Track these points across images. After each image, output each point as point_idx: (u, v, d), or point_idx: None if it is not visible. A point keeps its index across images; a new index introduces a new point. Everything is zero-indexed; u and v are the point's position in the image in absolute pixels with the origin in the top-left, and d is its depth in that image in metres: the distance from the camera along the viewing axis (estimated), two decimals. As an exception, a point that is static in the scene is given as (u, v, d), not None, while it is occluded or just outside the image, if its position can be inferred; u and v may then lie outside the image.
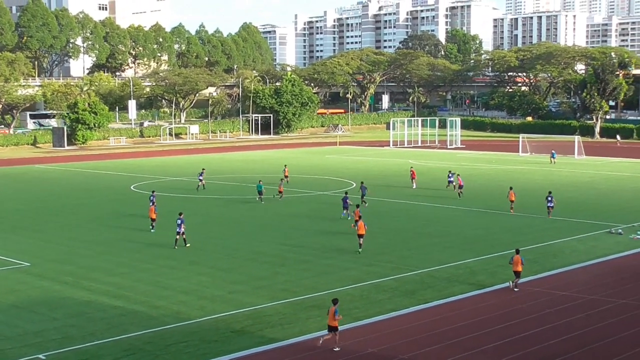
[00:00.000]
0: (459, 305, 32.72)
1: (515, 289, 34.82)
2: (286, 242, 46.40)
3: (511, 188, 60.24)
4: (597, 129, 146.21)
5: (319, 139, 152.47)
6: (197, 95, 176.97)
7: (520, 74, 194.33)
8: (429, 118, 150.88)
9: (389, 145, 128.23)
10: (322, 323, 30.00)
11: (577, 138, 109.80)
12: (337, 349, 27.30)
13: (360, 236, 43.47)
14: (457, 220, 54.22)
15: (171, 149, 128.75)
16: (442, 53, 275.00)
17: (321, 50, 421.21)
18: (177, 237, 44.92)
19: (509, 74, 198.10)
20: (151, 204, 54.81)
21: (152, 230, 50.45)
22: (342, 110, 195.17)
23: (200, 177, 72.52)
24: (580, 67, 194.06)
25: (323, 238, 47.69)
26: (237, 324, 30.17)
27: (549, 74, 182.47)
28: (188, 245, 44.97)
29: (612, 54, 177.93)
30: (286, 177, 75.31)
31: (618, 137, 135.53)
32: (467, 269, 39.11)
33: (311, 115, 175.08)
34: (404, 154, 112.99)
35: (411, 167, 78.37)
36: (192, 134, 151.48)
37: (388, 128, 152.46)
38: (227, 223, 53.40)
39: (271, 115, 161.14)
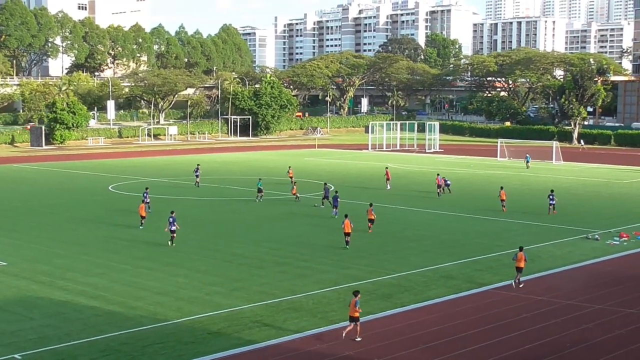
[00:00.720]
0: (436, 309, 32.87)
1: (520, 285, 35.65)
2: (264, 244, 46.42)
3: (502, 188, 61.80)
4: (575, 135, 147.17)
5: (297, 142, 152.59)
6: (176, 96, 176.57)
7: (499, 79, 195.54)
8: (407, 122, 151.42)
9: (368, 149, 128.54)
10: (300, 325, 30.12)
11: (555, 144, 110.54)
12: (358, 339, 28.43)
13: (346, 234, 44.97)
14: (435, 224, 54.44)
15: (150, 150, 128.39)
16: (422, 57, 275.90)
17: (301, 53, 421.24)
18: (172, 235, 45.40)
19: (488, 78, 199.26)
20: (142, 201, 55.86)
21: (140, 227, 51.14)
22: (301, 113, 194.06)
23: (197, 173, 74.94)
24: (559, 73, 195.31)
25: (301, 240, 47.75)
26: (214, 326, 30.17)
27: (528, 79, 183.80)
28: (173, 245, 45.17)
29: (591, 60, 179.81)
30: (291, 178, 74.79)
31: (582, 142, 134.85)
32: (443, 272, 39.29)
33: (290, 117, 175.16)
34: (383, 157, 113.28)
35: (386, 168, 79.51)
36: (171, 135, 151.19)
37: (367, 131, 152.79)
38: (205, 224, 53.35)
39: (250, 117, 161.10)
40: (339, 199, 57.05)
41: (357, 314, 28.62)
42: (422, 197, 68.59)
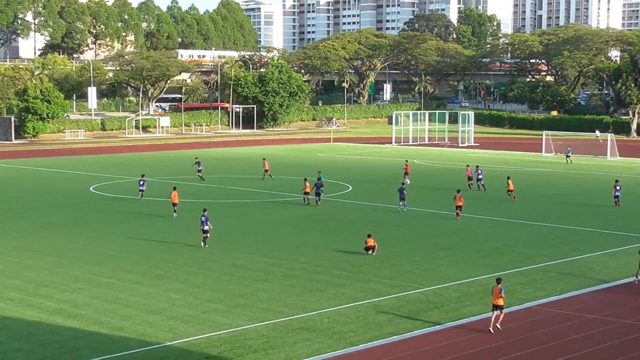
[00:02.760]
0: (471, 329, 32.78)
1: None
2: (270, 254, 46.42)
3: (509, 178, 66.40)
4: (634, 126, 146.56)
5: (309, 135, 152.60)
6: (168, 82, 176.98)
7: (544, 61, 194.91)
8: (437, 111, 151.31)
9: (391, 143, 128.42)
10: (313, 348, 30.10)
11: (610, 136, 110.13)
12: (496, 328, 31.83)
13: (368, 248, 46.11)
14: (469, 231, 54.33)
15: (138, 144, 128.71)
16: (454, 36, 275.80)
17: (313, 32, 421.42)
18: (204, 235, 47.99)
19: (531, 61, 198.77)
20: (173, 188, 60.87)
21: (174, 215, 57.78)
22: (226, 104, 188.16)
23: (200, 168, 79.48)
24: (614, 54, 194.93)
25: (313, 249, 47.75)
26: (213, 349, 30.19)
27: (578, 62, 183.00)
28: (206, 246, 47.70)
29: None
30: (267, 171, 79.39)
31: (597, 132, 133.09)
32: (480, 286, 39.19)
33: (301, 107, 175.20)
34: (409, 152, 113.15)
35: (406, 161, 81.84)
36: (163, 127, 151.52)
37: (390, 123, 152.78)
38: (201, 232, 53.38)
39: (254, 106, 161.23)
40: (405, 191, 61.40)
41: (501, 302, 32.06)
42: (453, 199, 68.42)
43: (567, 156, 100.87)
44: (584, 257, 45.90)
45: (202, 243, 48.14)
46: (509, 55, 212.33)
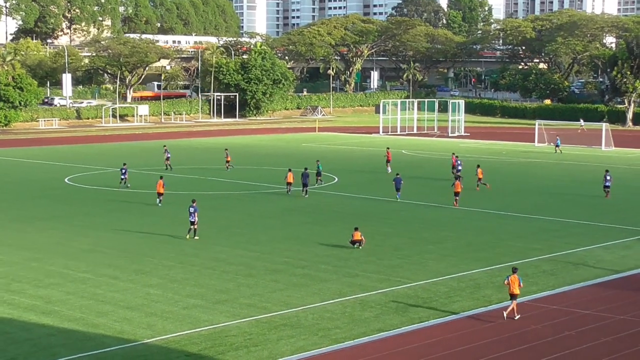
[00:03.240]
0: (461, 326, 32.84)
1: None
2: (253, 248, 46.38)
3: (478, 166, 67.29)
4: (630, 115, 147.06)
5: (294, 124, 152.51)
6: (146, 68, 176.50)
7: (537, 47, 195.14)
8: (426, 100, 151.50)
9: (379, 132, 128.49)
10: (297, 345, 30.06)
11: (604, 126, 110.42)
12: (514, 317, 33.13)
13: (355, 242, 46.00)
14: (459, 223, 54.42)
15: (115, 134, 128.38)
16: (444, 22, 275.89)
17: (298, 17, 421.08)
18: (191, 227, 48.39)
19: (524, 47, 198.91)
20: (160, 177, 61.92)
21: (159, 205, 59.25)
22: (184, 93, 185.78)
23: (168, 155, 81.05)
24: (610, 40, 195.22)
25: (297, 243, 47.72)
26: (193, 346, 30.15)
27: (572, 48, 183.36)
28: (196, 238, 47.98)
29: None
30: (228, 162, 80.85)
31: (582, 121, 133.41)
32: (470, 281, 39.25)
33: (285, 95, 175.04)
34: (397, 142, 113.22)
35: (387, 148, 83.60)
36: (141, 116, 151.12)
37: (377, 111, 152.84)
38: (182, 224, 53.26)
39: (237, 94, 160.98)
40: (402, 181, 62.86)
41: (518, 291, 33.38)
42: (443, 190, 68.52)
43: (557, 146, 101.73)
44: (579, 250, 46.02)
45: (187, 235, 48.38)
46: (501, 41, 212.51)
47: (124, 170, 68.06)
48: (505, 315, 33.30)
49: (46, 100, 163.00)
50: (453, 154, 79.93)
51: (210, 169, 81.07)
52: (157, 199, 59.91)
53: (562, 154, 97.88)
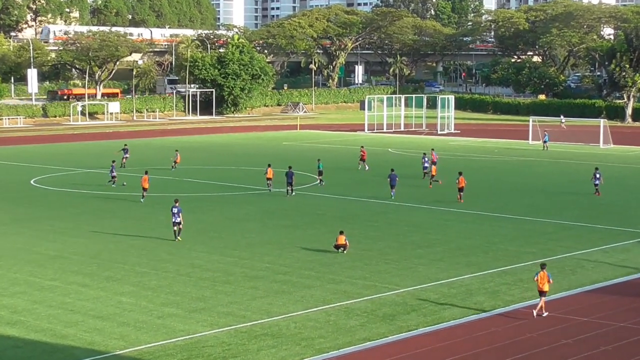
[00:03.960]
0: (451, 334, 32.89)
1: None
2: (231, 253, 46.36)
3: (461, 174, 63.92)
4: (629, 111, 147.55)
5: (274, 121, 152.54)
6: (117, 63, 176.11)
7: (531, 40, 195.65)
8: (414, 96, 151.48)
9: (364, 130, 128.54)
10: (278, 355, 30.07)
11: (602, 122, 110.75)
12: (541, 315, 34.53)
13: (339, 246, 46.03)
14: (449, 226, 54.51)
15: (84, 133, 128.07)
16: (432, 12, 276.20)
17: (278, 8, 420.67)
18: (175, 228, 49.09)
19: (517, 40, 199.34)
20: (145, 172, 64.00)
21: (142, 200, 61.59)
22: (118, 90, 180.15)
23: (126, 155, 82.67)
24: (608, 32, 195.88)
25: (278, 248, 47.70)
26: (169, 358, 30.10)
27: (568, 41, 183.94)
28: (179, 239, 48.76)
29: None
30: (176, 163, 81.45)
31: (562, 117, 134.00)
32: (461, 287, 39.32)
33: (264, 91, 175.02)
34: (383, 140, 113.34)
35: (362, 147, 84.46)
36: (112, 114, 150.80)
37: (362, 108, 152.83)
38: (156, 228, 53.22)
39: (213, 90, 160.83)
40: (397, 178, 64.46)
41: (548, 288, 34.70)
42: (432, 191, 68.66)
43: (545, 142, 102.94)
44: (575, 254, 46.15)
45: (176, 237, 49.08)
46: (493, 33, 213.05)
47: (112, 168, 70.13)
48: (535, 313, 34.60)
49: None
50: (432, 149, 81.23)
51: (185, 169, 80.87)
52: (142, 194, 62.22)
53: (549, 151, 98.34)
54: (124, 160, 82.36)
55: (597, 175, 65.75)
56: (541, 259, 44.43)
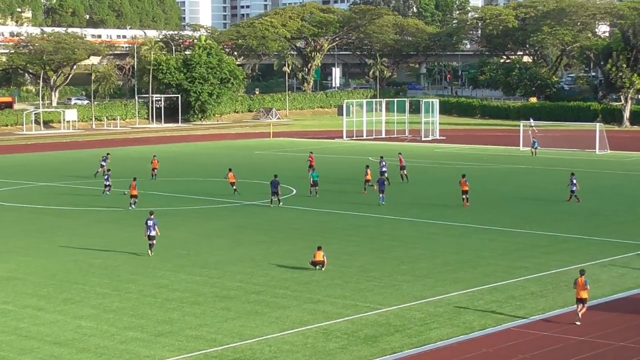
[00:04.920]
0: (438, 357, 32.91)
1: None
2: (200, 272, 46.24)
3: (464, 176, 66.78)
4: (627, 114, 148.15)
5: (245, 129, 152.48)
6: (74, 67, 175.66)
7: (521, 38, 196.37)
8: (396, 99, 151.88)
9: (342, 137, 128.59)
10: (250, 383, 30.00)
11: (598, 126, 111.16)
12: (578, 323, 36.05)
13: (316, 263, 46.00)
14: (435, 240, 54.57)
15: (38, 143, 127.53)
16: (414, 10, 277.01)
17: (248, 6, 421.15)
18: (150, 242, 49.71)
19: (506, 38, 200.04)
20: (133, 179, 67.11)
21: (130, 208, 64.34)
22: (10, 99, 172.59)
23: (103, 163, 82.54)
24: (603, 29, 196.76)
25: (251, 265, 47.64)
26: (132, 386, 30.01)
27: (560, 39, 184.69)
28: (150, 253, 49.48)
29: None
30: (155, 170, 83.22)
31: (531, 121, 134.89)
32: (448, 306, 39.35)
33: (234, 96, 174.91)
34: (362, 148, 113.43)
35: (310, 152, 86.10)
36: (69, 122, 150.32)
37: (340, 113, 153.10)
38: (117, 245, 53.07)
39: (179, 96, 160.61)
40: (385, 182, 67.86)
41: (587, 295, 36.39)
42: (417, 202, 68.77)
43: (534, 148, 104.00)
44: (571, 269, 46.20)
45: (149, 252, 49.66)
46: (480, 32, 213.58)
47: (106, 177, 72.57)
48: (579, 320, 36.42)
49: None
50: (400, 153, 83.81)
51: (149, 182, 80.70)
52: (130, 201, 65.29)
53: (541, 158, 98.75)
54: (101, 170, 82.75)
55: (574, 181, 67.30)
56: (535, 274, 44.69)
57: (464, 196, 65.60)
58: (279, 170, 74.97)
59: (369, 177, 72.21)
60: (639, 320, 37.49)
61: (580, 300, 36.14)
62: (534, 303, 39.46)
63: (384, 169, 76.44)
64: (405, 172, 79.59)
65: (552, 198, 70.71)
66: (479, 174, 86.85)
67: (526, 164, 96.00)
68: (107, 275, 45.49)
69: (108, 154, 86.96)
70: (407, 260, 48.73)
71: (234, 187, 70.65)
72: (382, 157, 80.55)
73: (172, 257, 49.80)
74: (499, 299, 40.40)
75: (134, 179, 66.82)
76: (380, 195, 66.32)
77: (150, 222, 49.52)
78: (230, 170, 71.15)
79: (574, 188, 66.96)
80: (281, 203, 66.02)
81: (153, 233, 49.47)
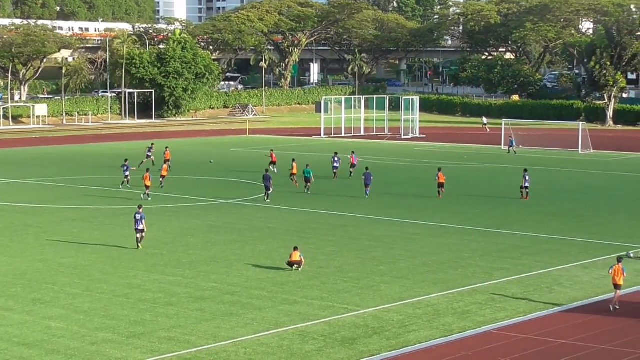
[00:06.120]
0: (416, 359, 33.01)
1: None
2: (173, 272, 46.22)
3: (440, 169, 70.08)
4: (610, 113, 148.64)
5: (220, 125, 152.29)
6: (44, 61, 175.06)
7: (503, 35, 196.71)
8: (375, 96, 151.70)
9: (320, 135, 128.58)
10: (224, 386, 30.02)
11: (581, 125, 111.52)
12: (615, 307, 38.61)
13: (292, 263, 46.06)
14: (415, 240, 54.67)
15: (6, 139, 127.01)
16: (395, 5, 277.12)
17: (224, 0, 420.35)
18: (138, 235, 51.14)
19: (488, 35, 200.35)
20: (146, 155, 73.11)
21: (148, 199, 66.67)
22: None
23: (149, 153, 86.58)
24: (587, 26, 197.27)
25: (225, 265, 47.66)
26: (103, 389, 30.00)
27: (543, 36, 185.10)
28: (140, 246, 50.90)
29: (632, 7, 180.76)
30: (167, 161, 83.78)
31: (484, 119, 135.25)
32: (427, 308, 39.45)
33: (210, 91, 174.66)
34: (341, 146, 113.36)
35: (271, 150, 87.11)
36: (39, 117, 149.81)
37: (318, 110, 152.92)
38: (89, 245, 52.98)
39: (152, 91, 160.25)
40: (372, 177, 69.77)
41: (622, 281, 38.67)
42: (396, 202, 68.91)
43: (510, 147, 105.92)
44: (552, 270, 46.44)
45: (138, 245, 51.03)
46: (461, 28, 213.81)
47: (125, 168, 74.31)
48: (611, 307, 38.72)
49: None
50: (353, 152, 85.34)
51: (119, 179, 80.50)
52: (145, 192, 67.84)
53: (522, 157, 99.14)
54: (148, 160, 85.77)
55: (527, 178, 69.18)
56: (515, 276, 44.85)
57: (439, 189, 69.10)
58: (254, 168, 75.15)
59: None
60: (621, 322, 37.70)
61: (617, 287, 38.72)
62: (515, 305, 39.61)
63: (335, 164, 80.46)
64: (352, 170, 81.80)
65: (534, 198, 70.87)
66: (459, 173, 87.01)
67: (507, 163, 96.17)
68: (77, 275, 45.41)
69: (153, 144, 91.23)
70: (385, 261, 48.83)
71: (161, 181, 74.42)
72: (336, 153, 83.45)
73: (145, 257, 49.74)
74: (479, 300, 40.54)
75: (147, 170, 70.52)
76: (367, 189, 69.24)
77: (138, 216, 50.89)
78: (165, 163, 78.59)
79: (527, 184, 69.09)
80: (268, 199, 67.59)
81: (141, 226, 50.67)
